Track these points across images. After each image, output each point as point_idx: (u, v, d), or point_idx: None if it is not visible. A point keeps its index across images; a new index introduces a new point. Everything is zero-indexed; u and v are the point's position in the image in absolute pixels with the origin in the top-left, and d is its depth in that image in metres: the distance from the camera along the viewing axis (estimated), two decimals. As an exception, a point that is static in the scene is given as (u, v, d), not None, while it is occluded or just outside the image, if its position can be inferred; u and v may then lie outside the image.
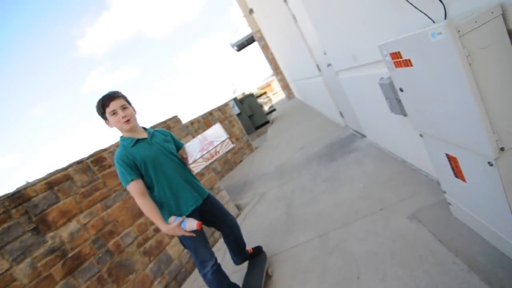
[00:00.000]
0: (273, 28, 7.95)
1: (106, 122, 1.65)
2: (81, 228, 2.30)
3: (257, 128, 9.75)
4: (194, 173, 1.74)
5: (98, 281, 2.27)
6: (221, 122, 6.00)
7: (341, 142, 3.94)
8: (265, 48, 13.35)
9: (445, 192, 1.61)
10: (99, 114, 1.62)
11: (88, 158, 2.51)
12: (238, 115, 8.92)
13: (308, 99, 8.45)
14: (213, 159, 1.70)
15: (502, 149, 0.98)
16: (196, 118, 5.93)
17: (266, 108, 12.47)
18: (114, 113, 1.57)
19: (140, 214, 2.70)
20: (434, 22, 1.19)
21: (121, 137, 1.68)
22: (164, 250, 2.77)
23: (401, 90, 1.42)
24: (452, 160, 1.31)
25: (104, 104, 1.57)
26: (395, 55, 1.28)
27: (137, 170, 1.59)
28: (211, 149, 1.67)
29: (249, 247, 2.24)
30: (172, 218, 1.58)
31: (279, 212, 2.91)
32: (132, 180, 1.55)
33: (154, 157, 1.63)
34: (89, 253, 2.29)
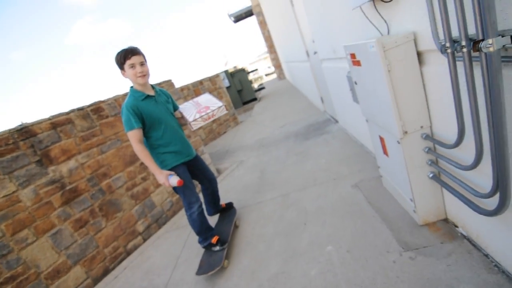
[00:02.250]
0: (272, 6, 8.03)
1: (122, 72, 1.84)
2: (79, 167, 2.64)
3: (245, 103, 10.04)
4: (192, 130, 2.06)
5: (91, 213, 2.66)
6: (210, 92, 6.28)
7: (317, 125, 4.39)
8: (262, 24, 13.29)
9: (379, 167, 2.09)
10: (118, 64, 1.81)
11: (88, 106, 2.79)
12: (228, 88, 9.14)
13: (297, 82, 8.78)
14: (210, 120, 2.07)
15: (405, 132, 1.42)
16: (186, 85, 6.14)
17: (255, 85, 12.66)
18: (132, 66, 1.77)
19: (131, 162, 3.06)
20: (381, 34, 1.58)
21: (132, 88, 1.89)
22: (149, 196, 3.18)
23: (355, 83, 1.83)
24: (382, 140, 1.77)
25: (126, 56, 1.76)
26: (353, 56, 1.67)
27: (141, 121, 1.81)
28: (209, 112, 2.04)
29: (222, 202, 2.65)
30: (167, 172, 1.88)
31: (254, 176, 3.37)
32: (136, 128, 1.77)
33: (160, 114, 1.90)
34: (84, 189, 2.65)
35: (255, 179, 3.27)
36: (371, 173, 2.40)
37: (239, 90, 9.69)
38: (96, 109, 2.85)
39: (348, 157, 2.87)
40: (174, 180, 1.76)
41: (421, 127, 1.44)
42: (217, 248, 2.06)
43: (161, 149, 1.94)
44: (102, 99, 2.92)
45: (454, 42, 0.98)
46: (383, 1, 1.36)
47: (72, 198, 2.55)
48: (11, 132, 2.29)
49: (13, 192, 2.24)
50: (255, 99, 10.11)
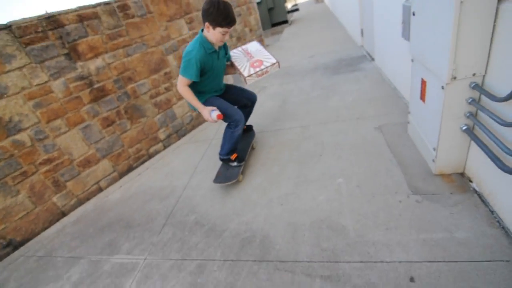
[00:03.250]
0: None
1: (208, 26, 1.80)
2: (106, 66, 2.65)
3: (274, 25, 9.22)
4: (247, 84, 2.11)
5: (117, 114, 2.79)
6: (239, 6, 5.68)
7: (350, 60, 4.08)
8: None
9: (409, 113, 2.01)
10: (213, 20, 1.75)
11: (115, 2, 2.62)
12: (258, 3, 8.27)
13: (336, 8, 7.81)
14: (263, 76, 2.08)
15: (454, 78, 1.30)
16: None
17: (289, 5, 11.37)
18: (224, 33, 1.81)
19: (155, 70, 3.04)
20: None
21: (204, 38, 1.89)
22: (171, 107, 3.26)
23: (413, 14, 1.60)
24: (423, 84, 1.64)
25: (227, 24, 1.76)
26: (421, -23, 1.41)
27: (199, 73, 1.90)
28: (263, 68, 2.04)
29: None
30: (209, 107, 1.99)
31: (275, 104, 3.34)
32: (192, 79, 1.89)
33: (217, 69, 2.04)
34: (111, 90, 2.72)
35: (276, 107, 3.25)
36: (398, 118, 2.33)
37: (270, 8, 8.77)
38: (123, 6, 2.68)
39: (377, 99, 2.74)
40: (215, 114, 1.93)
41: (473, 74, 1.30)
42: (235, 164, 2.21)
43: (203, 91, 2.10)
44: (128, -4, 2.72)
45: None
46: None
47: (100, 97, 2.65)
48: (40, 19, 2.23)
49: (45, 82, 2.32)
50: (286, 22, 9.23)
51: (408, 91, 2.47)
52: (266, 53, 2.20)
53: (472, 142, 1.48)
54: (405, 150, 1.95)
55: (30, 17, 2.20)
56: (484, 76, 1.30)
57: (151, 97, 3.06)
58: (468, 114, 1.41)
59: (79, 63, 2.48)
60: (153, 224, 2.01)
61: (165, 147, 3.23)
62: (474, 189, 1.53)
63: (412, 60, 1.79)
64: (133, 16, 2.77)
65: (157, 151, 3.17)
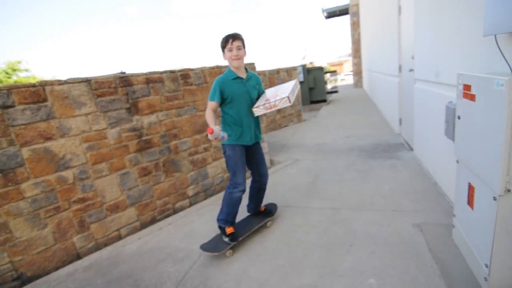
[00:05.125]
0: (372, 9, 7.50)
1: (223, 54, 2.07)
2: (157, 122, 2.92)
3: (313, 102, 9.80)
4: (254, 115, 2.15)
5: (155, 166, 2.95)
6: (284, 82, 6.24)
7: (387, 146, 4.05)
8: (355, 25, 12.57)
9: (454, 216, 1.84)
10: (221, 47, 2.05)
11: (179, 71, 3.04)
12: (301, 82, 9.01)
13: (375, 94, 8.19)
14: (271, 110, 2.07)
15: (508, 190, 1.21)
16: (263, 71, 6.23)
17: (329, 86, 12.22)
18: (230, 49, 2.00)
19: (199, 131, 3.27)
20: (513, 71, 1.33)
21: (229, 68, 2.12)
22: (205, 166, 3.38)
23: (459, 117, 1.61)
24: (471, 189, 1.53)
25: (227, 40, 1.99)
26: (467, 87, 1.46)
27: (221, 96, 2.04)
28: (272, 101, 2.03)
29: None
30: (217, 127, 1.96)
31: (306, 179, 3.30)
32: (214, 100, 2.03)
33: (240, 96, 2.08)
34: (156, 143, 2.94)
35: (306, 183, 3.21)
36: (440, 218, 2.14)
37: (311, 87, 9.48)
38: (185, 75, 3.09)
39: (416, 192, 2.59)
40: (222, 133, 1.83)
41: (532, 190, 1.20)
42: (227, 239, 2.15)
43: (228, 123, 2.14)
44: (191, 67, 3.15)
45: None
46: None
47: (145, 148, 2.86)
48: (115, 77, 2.63)
49: (103, 129, 2.60)
50: (324, 101, 9.79)
51: (452, 189, 2.32)
52: (285, 89, 2.16)
53: (536, 267, 1.27)
54: (449, 258, 1.72)
55: (108, 75, 2.61)
56: (544, 194, 1.19)
57: (190, 154, 3.23)
58: (527, 233, 1.25)
59: (136, 117, 2.78)
60: (161, 289, 1.88)
61: (191, 204, 3.24)
62: (542, 328, 1.25)
63: (457, 162, 1.73)
64: (191, 84, 3.15)
65: (182, 207, 3.18)
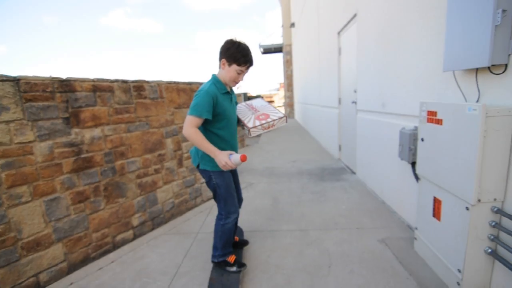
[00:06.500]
0: (308, 50, 8.46)
1: (224, 63, 1.71)
2: (102, 138, 2.47)
3: (252, 129, 10.05)
4: (251, 136, 1.89)
5: (94, 190, 2.43)
6: (263, 98, 6.23)
7: (332, 170, 4.37)
8: (288, 62, 13.92)
9: (416, 228, 2.03)
10: (231, 57, 1.67)
11: (132, 82, 2.70)
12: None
13: (309, 124, 8.95)
14: (269, 129, 1.91)
15: (479, 200, 1.40)
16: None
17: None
18: (239, 73, 1.72)
19: (150, 150, 2.90)
20: (466, 101, 1.63)
21: (216, 78, 1.78)
22: (155, 190, 2.97)
23: (422, 140, 1.84)
24: (436, 202, 1.73)
25: (246, 62, 1.69)
26: (432, 113, 1.70)
27: (212, 112, 1.66)
28: (270, 121, 1.88)
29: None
30: (227, 152, 1.68)
31: (266, 202, 3.23)
32: (203, 117, 1.62)
33: (231, 112, 1.81)
34: (99, 163, 2.45)
35: (267, 205, 3.13)
36: (398, 232, 2.33)
37: (250, 115, 9.77)
38: (139, 86, 2.75)
39: (370, 211, 2.80)
40: (237, 157, 1.54)
41: (494, 199, 1.42)
42: (234, 269, 1.88)
43: (216, 142, 1.75)
44: (147, 79, 2.85)
45: None
46: (492, 73, 1.41)
47: (84, 168, 2.34)
48: (53, 80, 2.15)
49: (29, 142, 2.04)
50: (262, 129, 10.15)
51: (401, 207, 2.60)
52: (272, 108, 2.06)
53: (497, 266, 1.47)
54: (419, 268, 1.86)
55: (44, 76, 2.12)
56: (503, 201, 1.42)
57: (138, 176, 2.80)
58: (492, 237, 1.45)
59: (75, 129, 2.28)
60: None
61: (135, 237, 2.74)
62: (509, 323, 1.41)
63: (418, 178, 1.95)
64: (145, 97, 2.82)
65: (124, 240, 2.65)
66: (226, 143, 1.82)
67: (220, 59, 1.74)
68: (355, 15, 3.62)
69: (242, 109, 2.13)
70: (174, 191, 3.21)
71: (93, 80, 2.40)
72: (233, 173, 2.08)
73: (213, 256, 1.95)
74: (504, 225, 1.41)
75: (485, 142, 1.35)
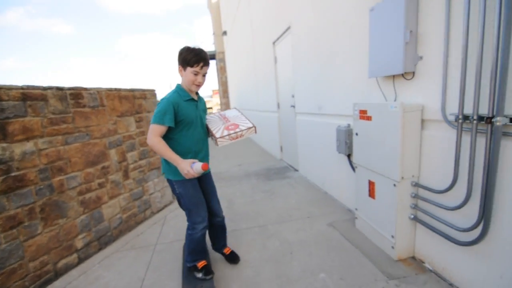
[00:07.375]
0: (243, 58, 8.81)
1: (181, 69, 1.73)
2: (36, 152, 2.18)
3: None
4: (218, 146, 1.90)
5: (29, 213, 2.14)
6: (238, 109, 5.97)
7: (276, 170, 4.70)
8: (222, 70, 14.13)
9: (356, 209, 2.42)
10: (184, 61, 1.69)
11: (68, 89, 2.45)
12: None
13: (247, 130, 9.25)
14: (237, 139, 1.89)
15: (402, 177, 1.80)
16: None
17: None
18: (196, 73, 1.70)
19: (93, 163, 2.66)
20: (386, 100, 2.06)
21: (180, 86, 1.80)
22: (100, 207, 2.73)
23: (357, 134, 2.23)
24: (371, 184, 2.12)
25: (198, 62, 1.67)
26: (363, 112, 2.09)
27: (174, 120, 1.68)
28: (238, 131, 1.86)
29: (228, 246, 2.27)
30: (190, 160, 1.69)
31: (221, 204, 3.28)
32: (165, 125, 1.65)
33: (194, 119, 1.80)
34: (33, 181, 2.16)
35: (223, 208, 3.18)
36: (342, 215, 2.72)
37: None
38: (76, 94, 2.51)
39: (316, 201, 3.16)
40: (198, 166, 1.59)
41: (412, 176, 1.84)
42: (200, 275, 1.91)
43: (180, 151, 1.75)
44: (85, 86, 2.62)
45: (465, 117, 1.44)
46: (404, 78, 1.84)
47: (14, 188, 2.04)
48: (-29, 88, 1.82)
49: None
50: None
51: (341, 194, 3.02)
52: (243, 118, 2.05)
53: (418, 229, 1.91)
54: (362, 242, 2.23)
55: (-43, 84, 1.78)
56: (418, 177, 1.86)
57: (80, 193, 2.54)
58: (412, 205, 1.88)
59: (2, 144, 1.97)
60: None
61: (80, 261, 2.47)
62: (428, 268, 1.85)
63: (355, 167, 2.34)
64: (84, 106, 2.59)
65: (68, 265, 2.37)
66: (189, 151, 1.82)
67: (178, 67, 1.76)
68: (289, 27, 4.04)
69: (214, 119, 2.10)
70: (121, 205, 2.99)
71: (22, 88, 2.11)
72: (205, 182, 2.06)
73: (186, 261, 1.96)
74: (420, 195, 1.85)
75: (404, 133, 1.75)
